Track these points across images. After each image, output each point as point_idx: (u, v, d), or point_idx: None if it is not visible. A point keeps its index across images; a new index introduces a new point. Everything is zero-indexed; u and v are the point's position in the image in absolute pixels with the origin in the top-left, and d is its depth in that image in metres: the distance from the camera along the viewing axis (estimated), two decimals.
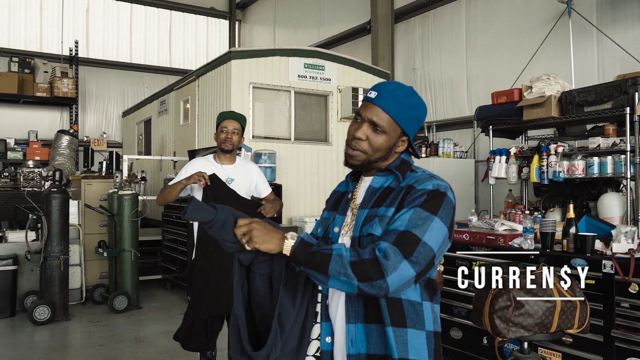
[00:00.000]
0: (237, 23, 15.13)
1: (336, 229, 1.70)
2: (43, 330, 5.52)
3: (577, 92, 4.33)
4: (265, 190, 3.84)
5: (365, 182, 1.74)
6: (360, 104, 6.86)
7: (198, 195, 3.52)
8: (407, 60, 9.16)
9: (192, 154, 7.91)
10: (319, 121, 7.92)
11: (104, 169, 7.85)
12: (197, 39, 14.51)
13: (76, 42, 12.42)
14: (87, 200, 7.09)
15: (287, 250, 1.50)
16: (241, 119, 3.69)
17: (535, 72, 6.66)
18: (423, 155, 7.17)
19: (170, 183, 3.62)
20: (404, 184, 1.63)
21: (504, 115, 4.86)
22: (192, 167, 3.65)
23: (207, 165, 3.65)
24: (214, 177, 3.48)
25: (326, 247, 1.49)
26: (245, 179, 3.72)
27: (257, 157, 6.89)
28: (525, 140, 5.49)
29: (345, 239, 1.67)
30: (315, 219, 6.95)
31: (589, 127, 5.06)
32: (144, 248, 8.21)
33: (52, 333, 5.44)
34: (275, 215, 3.89)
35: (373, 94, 1.64)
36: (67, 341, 5.30)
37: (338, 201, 1.80)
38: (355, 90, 7.75)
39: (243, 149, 6.58)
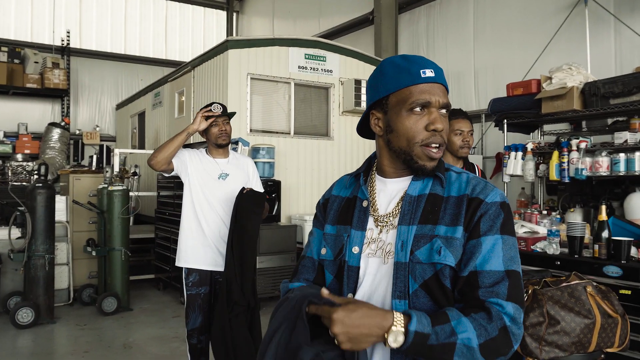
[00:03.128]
0: (234, 14, 14.75)
1: (355, 249, 1.33)
2: (26, 334, 5.18)
3: (602, 83, 3.99)
4: (257, 188, 3.53)
5: (385, 184, 1.37)
6: (364, 96, 6.42)
7: (193, 168, 3.29)
8: (412, 51, 8.81)
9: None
10: (319, 115, 7.58)
11: (94, 163, 7.49)
12: (193, 30, 14.13)
13: (68, 32, 12.04)
14: (75, 195, 6.73)
15: (394, 344, 1.11)
16: (225, 108, 3.41)
17: (547, 63, 6.33)
18: None
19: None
20: (454, 191, 1.29)
21: (520, 108, 4.52)
22: (188, 153, 3.35)
23: (202, 158, 3.37)
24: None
25: (447, 333, 1.11)
26: (241, 173, 3.44)
27: (255, 152, 6.55)
28: (540, 135, 5.15)
29: (372, 261, 1.30)
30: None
31: (609, 121, 4.73)
32: (136, 246, 7.88)
33: (35, 337, 5.10)
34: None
35: (432, 72, 1.28)
36: (51, 347, 4.96)
37: (346, 211, 1.41)
38: (358, 82, 7.41)
39: (240, 144, 6.25)
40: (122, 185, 6.19)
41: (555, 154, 4.25)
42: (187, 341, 3.39)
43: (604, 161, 3.99)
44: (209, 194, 3.30)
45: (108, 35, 12.95)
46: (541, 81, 4.37)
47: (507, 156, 4.65)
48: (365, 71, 7.75)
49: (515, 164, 4.54)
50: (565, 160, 4.15)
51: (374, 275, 1.29)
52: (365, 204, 1.37)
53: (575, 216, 4.24)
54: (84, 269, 6.66)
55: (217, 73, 7.02)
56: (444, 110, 1.28)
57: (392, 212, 1.32)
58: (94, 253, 6.06)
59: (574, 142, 4.15)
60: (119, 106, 12.31)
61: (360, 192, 1.40)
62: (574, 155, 4.11)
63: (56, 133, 10.50)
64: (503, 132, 4.79)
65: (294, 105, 7.22)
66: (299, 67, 7.25)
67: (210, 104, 3.37)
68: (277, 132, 7.14)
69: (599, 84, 4.01)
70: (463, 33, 7.89)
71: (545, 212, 4.50)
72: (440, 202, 1.27)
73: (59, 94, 11.56)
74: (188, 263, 3.33)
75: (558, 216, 4.40)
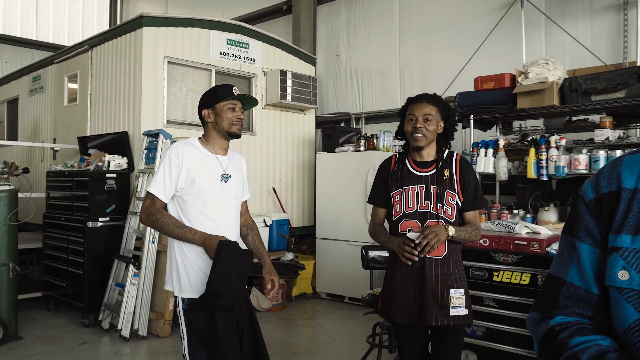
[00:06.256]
0: None
1: None
2: None
3: (584, 79, 3.89)
4: (246, 194, 2.83)
5: None
6: (290, 89, 5.87)
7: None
8: (330, 45, 8.43)
9: (84, 142, 6.45)
10: None
11: None
12: (70, 11, 12.43)
13: None
14: None
15: None
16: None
17: (479, 65, 6.30)
18: (362, 148, 6.48)
19: (169, 221, 2.45)
20: None
21: (492, 103, 4.30)
22: (177, 154, 2.46)
23: (195, 153, 2.50)
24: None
25: None
26: (239, 174, 2.67)
27: None
28: (498, 132, 5.01)
29: None
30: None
31: (575, 118, 4.71)
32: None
33: None
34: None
35: None
36: None
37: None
38: (283, 73, 6.86)
39: (162, 136, 5.37)
40: (9, 185, 5.00)
41: (532, 151, 4.08)
42: None
43: (582, 159, 3.89)
44: (210, 203, 2.49)
45: None
46: (516, 75, 4.18)
47: (475, 153, 4.41)
48: (287, 62, 7.21)
49: (486, 162, 4.31)
50: (544, 157, 3.99)
51: None
52: None
53: (550, 215, 4.11)
54: None
55: (127, 54, 6.01)
56: None
57: None
58: None
59: (553, 139, 4.01)
60: None
61: None
62: (554, 152, 3.97)
63: None
64: (469, 127, 4.55)
65: None
66: (221, 53, 6.51)
67: (231, 87, 2.59)
68: (197, 125, 6.30)
69: (580, 79, 3.90)
70: (387, 30, 7.67)
71: (516, 211, 4.33)
72: None
73: None
74: (194, 293, 2.47)
75: (530, 215, 4.26)
